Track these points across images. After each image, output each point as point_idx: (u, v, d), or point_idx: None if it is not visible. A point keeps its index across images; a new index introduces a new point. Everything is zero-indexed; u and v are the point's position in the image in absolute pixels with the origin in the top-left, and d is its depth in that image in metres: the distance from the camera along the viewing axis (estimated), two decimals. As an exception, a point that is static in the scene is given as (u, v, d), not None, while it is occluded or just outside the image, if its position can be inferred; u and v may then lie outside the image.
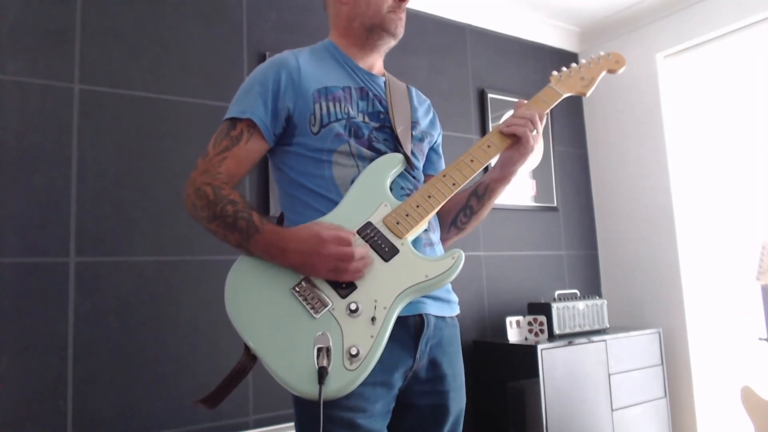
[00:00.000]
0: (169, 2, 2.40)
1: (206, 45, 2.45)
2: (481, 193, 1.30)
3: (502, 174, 1.27)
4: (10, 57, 2.05)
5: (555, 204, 3.49)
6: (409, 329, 1.12)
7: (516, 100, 3.35)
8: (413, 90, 1.40)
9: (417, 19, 3.08)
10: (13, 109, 2.03)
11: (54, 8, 2.15)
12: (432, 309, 1.17)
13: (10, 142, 2.02)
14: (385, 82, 1.30)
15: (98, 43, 2.22)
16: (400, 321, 1.08)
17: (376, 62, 1.32)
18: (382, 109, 1.25)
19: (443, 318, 1.20)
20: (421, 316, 1.14)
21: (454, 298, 1.26)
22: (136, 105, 2.27)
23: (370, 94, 1.25)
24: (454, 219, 1.32)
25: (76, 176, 2.12)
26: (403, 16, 1.27)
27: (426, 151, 1.35)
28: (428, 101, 1.44)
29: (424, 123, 1.36)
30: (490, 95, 3.30)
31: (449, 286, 1.24)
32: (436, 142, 1.41)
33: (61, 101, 2.12)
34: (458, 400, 1.22)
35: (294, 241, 1.05)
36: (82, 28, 2.19)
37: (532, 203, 3.38)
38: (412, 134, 1.27)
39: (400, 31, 1.27)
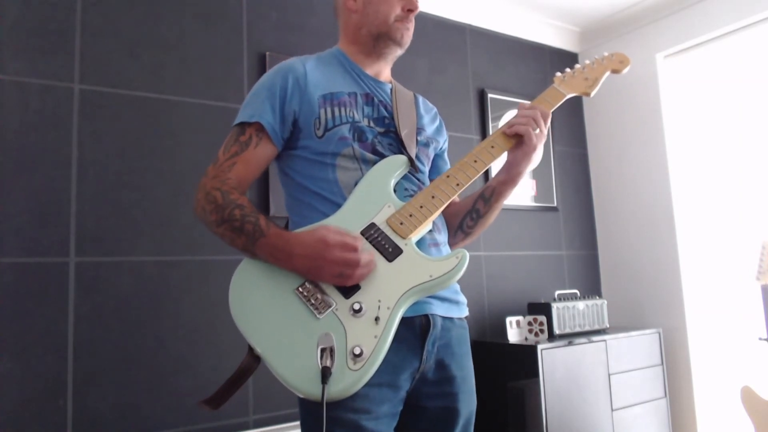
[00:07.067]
0: (169, 2, 2.40)
1: (206, 45, 2.45)
2: (488, 196, 1.29)
3: (509, 176, 1.26)
4: (10, 57, 2.04)
5: (555, 204, 3.49)
6: (415, 330, 1.12)
7: (516, 100, 3.36)
8: (420, 98, 1.40)
9: (417, 19, 3.03)
10: (13, 109, 2.03)
11: (54, 8, 2.14)
12: (438, 310, 1.16)
13: (10, 142, 2.01)
14: (391, 89, 1.31)
15: (98, 43, 2.22)
16: (406, 322, 1.07)
17: (383, 70, 1.33)
18: (387, 115, 1.25)
19: (451, 319, 1.20)
20: (426, 316, 1.13)
21: (463, 299, 1.26)
22: (136, 105, 2.27)
23: (376, 99, 1.26)
24: (461, 223, 1.31)
25: (76, 176, 2.11)
26: (411, 26, 1.28)
27: (432, 156, 1.35)
28: (435, 109, 1.44)
29: (429, 130, 1.36)
30: (490, 95, 3.29)
31: (457, 287, 1.23)
32: (441, 148, 1.40)
33: (61, 101, 2.12)
34: (468, 402, 1.21)
35: (299, 246, 1.05)
36: (82, 28, 2.19)
37: (532, 203, 3.38)
38: (417, 139, 1.27)
39: (407, 40, 1.29)
